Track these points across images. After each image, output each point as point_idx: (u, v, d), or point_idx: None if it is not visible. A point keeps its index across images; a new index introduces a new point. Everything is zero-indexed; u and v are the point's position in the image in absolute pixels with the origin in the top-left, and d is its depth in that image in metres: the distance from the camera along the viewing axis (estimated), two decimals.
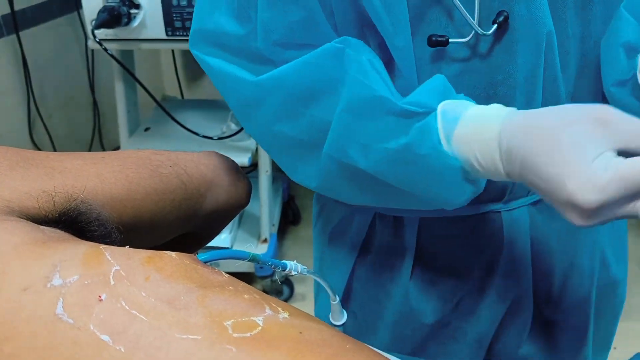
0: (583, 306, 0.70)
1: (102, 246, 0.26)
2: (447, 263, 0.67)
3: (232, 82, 0.56)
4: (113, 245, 0.32)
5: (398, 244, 0.67)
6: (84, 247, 0.26)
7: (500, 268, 0.66)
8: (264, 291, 1.89)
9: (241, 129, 1.62)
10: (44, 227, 0.28)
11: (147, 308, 0.22)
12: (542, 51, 0.54)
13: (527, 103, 0.56)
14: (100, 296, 0.22)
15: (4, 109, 1.82)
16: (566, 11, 0.55)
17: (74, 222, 0.30)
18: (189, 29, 1.42)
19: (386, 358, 0.25)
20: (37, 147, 1.94)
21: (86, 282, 0.23)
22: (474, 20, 0.52)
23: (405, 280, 0.68)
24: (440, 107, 0.49)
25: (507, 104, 0.50)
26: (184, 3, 1.40)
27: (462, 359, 0.70)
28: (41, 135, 1.97)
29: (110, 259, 0.25)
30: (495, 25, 0.53)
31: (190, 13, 1.40)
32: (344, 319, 0.49)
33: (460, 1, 0.51)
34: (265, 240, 1.74)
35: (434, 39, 0.53)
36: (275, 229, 1.81)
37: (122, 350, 0.21)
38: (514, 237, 0.65)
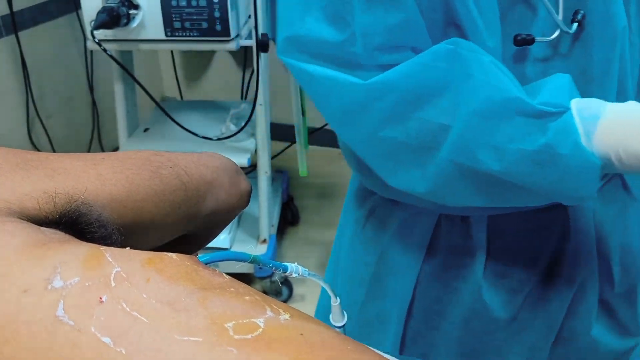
0: (637, 281, 0.72)
1: (103, 247, 0.26)
2: (516, 256, 0.67)
3: (336, 87, 0.55)
4: (113, 246, 0.31)
5: (467, 242, 0.67)
6: (85, 249, 0.26)
7: (568, 255, 0.67)
8: (263, 292, 1.88)
9: (240, 130, 1.61)
10: (45, 228, 0.28)
11: (147, 310, 0.22)
12: (618, 46, 0.56)
13: (603, 98, 0.56)
14: (101, 298, 0.22)
15: (3, 109, 1.82)
16: (630, 4, 0.57)
17: (75, 224, 0.30)
18: (188, 29, 1.42)
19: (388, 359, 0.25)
20: (35, 148, 1.94)
21: (87, 284, 0.23)
22: (559, 18, 0.53)
23: (477, 278, 0.67)
24: (575, 106, 0.50)
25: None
26: (183, 3, 1.40)
27: (530, 347, 0.70)
28: (40, 135, 1.97)
29: (111, 260, 0.25)
30: (576, 24, 0.54)
31: (190, 14, 1.40)
32: (344, 320, 0.49)
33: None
34: (264, 241, 1.74)
35: (519, 37, 0.53)
36: (274, 230, 1.81)
37: (123, 352, 0.21)
38: (579, 225, 0.66)
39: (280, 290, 1.75)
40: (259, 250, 1.71)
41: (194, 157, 0.43)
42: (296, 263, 0.38)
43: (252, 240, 1.75)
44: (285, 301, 1.78)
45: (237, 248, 1.72)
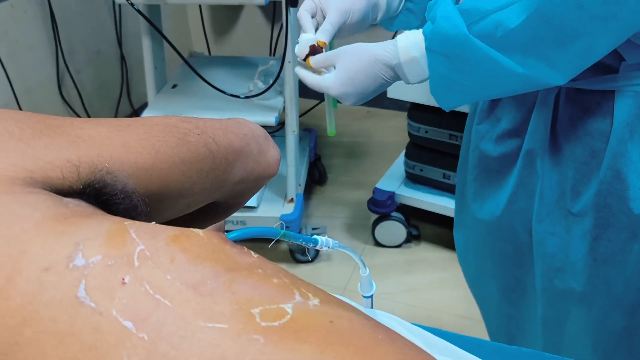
0: None
1: (127, 222, 0.25)
2: None
3: None
4: (139, 217, 0.30)
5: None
6: (108, 224, 0.25)
7: None
8: (290, 250, 1.88)
9: (269, 88, 1.59)
10: (68, 199, 0.27)
11: (171, 293, 0.21)
12: None
13: None
14: (123, 279, 0.21)
15: (33, 63, 1.83)
16: None
17: (99, 194, 0.29)
18: None
19: (420, 348, 0.23)
20: (66, 103, 1.95)
21: (109, 263, 0.22)
22: None
23: None
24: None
25: None
26: None
27: None
28: (70, 90, 1.98)
29: (135, 237, 0.23)
30: None
31: None
32: (372, 290, 0.48)
33: None
34: (291, 200, 1.74)
35: None
36: (301, 189, 1.81)
37: (145, 338, 0.20)
38: None
39: (307, 249, 1.76)
40: (286, 209, 1.71)
41: (222, 123, 0.41)
42: (326, 236, 0.38)
43: (280, 200, 1.75)
44: (311, 261, 1.79)
45: (264, 207, 1.72)
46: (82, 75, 2.02)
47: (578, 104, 0.68)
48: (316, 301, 0.23)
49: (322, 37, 0.71)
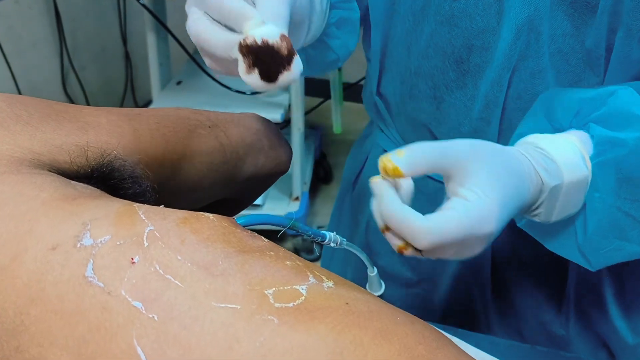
0: None
1: (136, 204, 0.25)
2: None
3: None
4: (148, 204, 0.30)
5: None
6: (117, 205, 0.24)
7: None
8: (295, 249, 1.87)
9: None
10: (75, 182, 0.27)
11: (182, 273, 0.21)
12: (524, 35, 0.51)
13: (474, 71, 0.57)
14: (132, 259, 0.21)
15: (38, 59, 1.83)
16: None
17: (107, 179, 0.28)
18: None
19: (439, 331, 0.23)
20: (70, 100, 1.95)
21: (118, 243, 0.21)
22: None
23: None
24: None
25: None
26: None
27: None
28: (74, 87, 1.98)
29: (144, 218, 0.23)
30: None
31: None
32: (382, 289, 0.47)
33: None
34: (297, 199, 1.73)
35: None
36: (307, 187, 1.80)
37: (156, 318, 0.19)
38: None
39: (312, 247, 1.75)
40: (292, 207, 1.70)
41: (234, 117, 0.41)
42: (335, 232, 0.37)
43: (285, 198, 1.75)
44: (316, 260, 1.78)
45: (269, 205, 1.72)
46: (86, 72, 2.02)
47: None
48: (330, 283, 0.23)
49: (279, 25, 0.35)
